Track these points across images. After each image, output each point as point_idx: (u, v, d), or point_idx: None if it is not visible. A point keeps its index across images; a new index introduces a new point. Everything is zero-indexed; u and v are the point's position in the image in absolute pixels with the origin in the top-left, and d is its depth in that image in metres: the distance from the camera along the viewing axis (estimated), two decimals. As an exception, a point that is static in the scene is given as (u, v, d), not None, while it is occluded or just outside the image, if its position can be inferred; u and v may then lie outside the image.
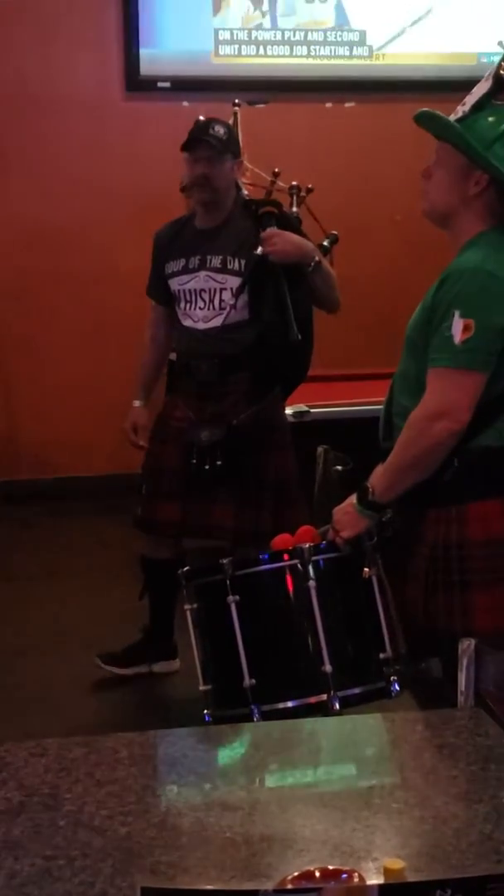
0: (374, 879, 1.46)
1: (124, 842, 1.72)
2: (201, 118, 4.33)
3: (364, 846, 1.69)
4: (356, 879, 1.38)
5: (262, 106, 6.92)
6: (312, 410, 5.16)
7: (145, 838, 1.73)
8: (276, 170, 5.45)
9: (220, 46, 6.94)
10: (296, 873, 1.43)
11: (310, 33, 7.02)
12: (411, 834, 1.74)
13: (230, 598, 2.79)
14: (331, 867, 1.55)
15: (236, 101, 5.79)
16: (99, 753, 1.98)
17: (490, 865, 1.65)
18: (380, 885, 1.22)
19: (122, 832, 1.75)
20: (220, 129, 4.20)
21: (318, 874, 1.39)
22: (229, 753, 2.03)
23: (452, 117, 2.70)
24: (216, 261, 4.19)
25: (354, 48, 7.09)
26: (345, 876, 1.40)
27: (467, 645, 2.21)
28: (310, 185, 5.49)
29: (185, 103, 6.78)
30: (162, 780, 1.92)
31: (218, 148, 4.16)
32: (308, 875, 1.39)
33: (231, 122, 5.59)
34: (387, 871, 1.36)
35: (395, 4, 7.10)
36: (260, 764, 2.01)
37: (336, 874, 1.41)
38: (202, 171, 4.17)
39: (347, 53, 7.08)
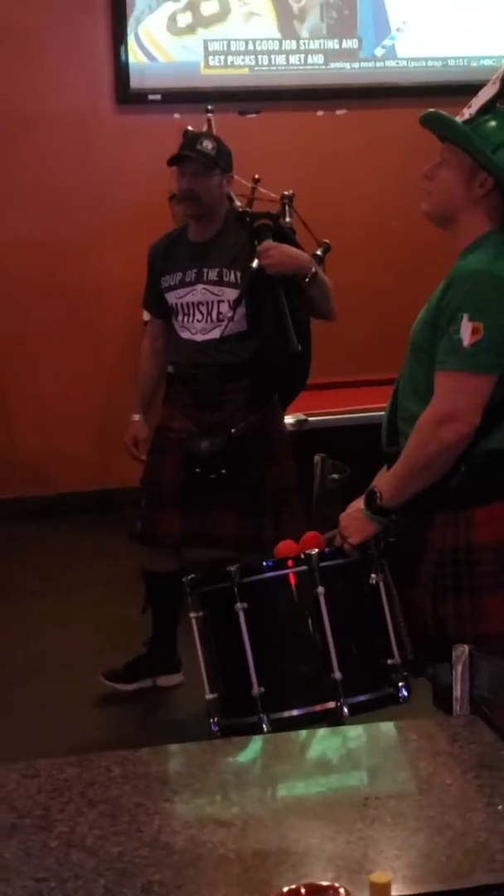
0: (365, 894, 1.45)
1: (116, 862, 1.71)
2: (189, 129, 4.31)
3: (358, 859, 1.68)
4: (342, 894, 1.37)
5: (253, 115, 6.93)
6: (311, 419, 5.15)
7: (138, 857, 1.72)
8: (256, 176, 5.42)
9: (209, 57, 6.93)
10: (285, 889, 1.42)
11: (299, 42, 7.01)
12: (405, 845, 1.73)
13: (238, 605, 2.77)
14: (324, 882, 1.54)
15: (209, 107, 5.74)
16: (91, 773, 1.97)
17: (484, 875, 1.63)
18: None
19: (115, 852, 1.73)
20: (208, 144, 4.20)
21: (303, 891, 1.38)
22: (222, 769, 2.02)
23: (458, 119, 2.71)
24: (213, 273, 4.19)
25: (345, 56, 7.08)
26: (332, 892, 1.39)
27: (461, 651, 2.20)
28: (290, 190, 5.47)
29: (177, 115, 6.78)
30: (155, 798, 1.90)
31: (204, 163, 4.16)
32: (294, 893, 1.38)
33: (204, 129, 5.58)
34: (373, 886, 1.35)
35: (385, 11, 7.09)
36: (253, 778, 2.00)
37: (322, 890, 1.39)
38: (188, 186, 4.19)
39: (338, 61, 7.07)
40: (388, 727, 2.23)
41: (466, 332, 2.58)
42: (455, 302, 2.61)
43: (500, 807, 1.81)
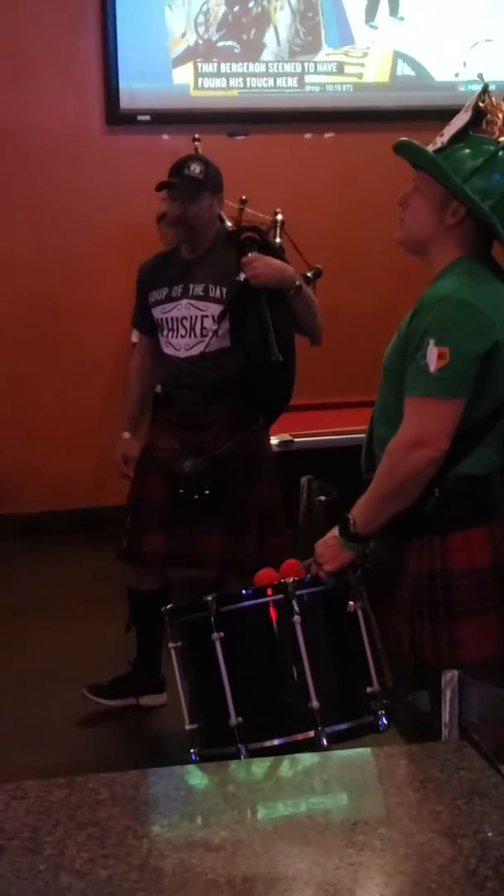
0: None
1: (105, 885, 1.70)
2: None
3: (348, 885, 1.67)
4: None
5: (241, 138, 6.95)
6: (297, 440, 5.14)
7: (127, 881, 1.71)
8: (244, 197, 5.45)
9: (199, 79, 6.95)
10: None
11: (288, 65, 7.04)
12: (395, 871, 1.73)
13: (215, 635, 2.76)
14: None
15: (196, 136, 5.76)
16: (80, 795, 1.95)
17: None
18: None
19: (104, 875, 1.72)
20: (195, 168, 4.20)
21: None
22: (211, 792, 2.01)
23: (430, 148, 2.71)
24: (198, 289, 4.20)
25: (334, 79, 7.10)
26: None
27: (450, 677, 2.19)
28: (277, 209, 5.50)
29: (166, 136, 6.81)
30: (144, 821, 1.89)
31: (191, 188, 4.17)
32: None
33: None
34: (366, 913, 1.34)
35: (375, 35, 7.13)
36: (243, 802, 1.99)
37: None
38: (176, 213, 4.20)
39: (327, 84, 7.10)
40: (376, 753, 2.22)
41: (433, 357, 2.58)
42: (422, 327, 2.62)
43: (489, 834, 1.80)
